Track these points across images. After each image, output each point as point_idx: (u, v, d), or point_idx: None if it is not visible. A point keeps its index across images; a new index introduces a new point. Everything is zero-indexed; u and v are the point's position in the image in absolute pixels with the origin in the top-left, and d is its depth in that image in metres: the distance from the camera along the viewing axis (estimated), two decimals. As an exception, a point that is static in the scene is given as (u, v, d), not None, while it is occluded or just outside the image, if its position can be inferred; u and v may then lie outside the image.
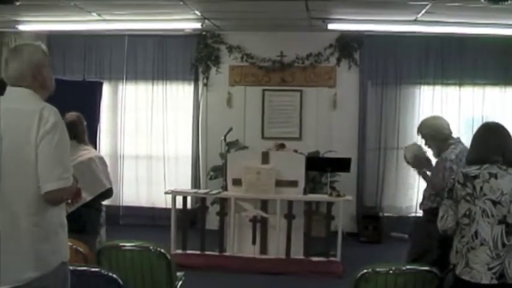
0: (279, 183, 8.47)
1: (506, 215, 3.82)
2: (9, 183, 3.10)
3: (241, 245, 8.68)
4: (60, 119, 3.22)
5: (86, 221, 5.50)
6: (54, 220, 3.26)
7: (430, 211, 5.45)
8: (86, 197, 5.41)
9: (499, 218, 3.82)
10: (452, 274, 4.01)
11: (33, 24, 9.76)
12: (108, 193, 5.86)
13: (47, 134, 3.12)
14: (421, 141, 6.15)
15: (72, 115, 5.61)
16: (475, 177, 3.90)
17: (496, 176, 3.87)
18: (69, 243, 4.14)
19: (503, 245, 3.80)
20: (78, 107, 5.89)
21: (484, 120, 7.59)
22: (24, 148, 3.11)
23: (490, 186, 3.85)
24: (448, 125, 5.75)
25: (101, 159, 5.86)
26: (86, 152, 5.61)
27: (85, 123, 5.80)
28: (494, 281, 3.78)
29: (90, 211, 5.61)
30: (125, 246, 4.58)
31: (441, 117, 6.02)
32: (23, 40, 10.14)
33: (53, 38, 10.88)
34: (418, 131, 5.92)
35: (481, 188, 3.86)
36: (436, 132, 5.68)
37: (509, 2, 6.97)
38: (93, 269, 4.04)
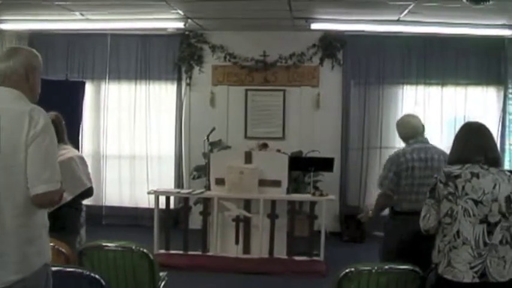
0: (262, 183, 8.47)
1: (487, 214, 3.84)
2: None
3: (224, 244, 8.67)
4: (49, 122, 3.21)
5: (66, 221, 5.46)
6: (39, 222, 3.24)
7: (391, 210, 5.70)
8: (66, 196, 5.37)
9: (481, 217, 3.84)
10: (435, 273, 4.03)
11: (15, 23, 9.71)
12: (88, 192, 5.83)
13: (37, 136, 3.11)
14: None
15: (50, 114, 5.56)
16: (457, 176, 3.91)
17: (477, 176, 3.89)
18: (51, 244, 4.12)
19: (485, 244, 3.82)
20: (60, 106, 5.85)
21: (466, 120, 7.63)
22: (13, 149, 3.09)
23: (471, 186, 3.87)
24: (418, 124, 5.72)
25: (81, 158, 5.83)
26: (66, 152, 5.58)
27: (64, 122, 5.76)
28: (476, 280, 3.80)
29: (70, 210, 5.58)
30: (107, 246, 4.56)
31: (415, 116, 5.95)
32: (4, 38, 10.11)
33: (35, 37, 10.81)
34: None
35: (463, 188, 3.88)
36: (412, 131, 5.71)
37: (490, 2, 7.01)
38: (75, 270, 4.02)
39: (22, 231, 3.13)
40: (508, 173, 4.03)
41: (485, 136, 4.09)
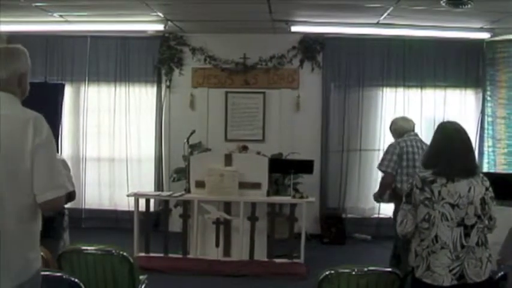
0: (242, 185, 8.47)
1: (464, 217, 3.87)
2: (1, 190, 3.05)
3: (204, 247, 8.66)
4: (50, 130, 3.21)
5: (48, 225, 5.41)
6: (38, 228, 3.25)
7: (396, 197, 6.47)
8: None
9: (458, 220, 3.87)
10: (412, 276, 4.03)
11: (-7, 24, 9.64)
12: (71, 196, 5.76)
13: (43, 144, 3.11)
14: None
15: None
16: (433, 181, 3.93)
17: (453, 180, 3.91)
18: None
19: (462, 246, 3.86)
20: (39, 109, 5.75)
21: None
22: (18, 156, 3.06)
23: (447, 190, 3.89)
24: (409, 125, 6.94)
25: (63, 162, 5.78)
26: None
27: None
28: (455, 282, 3.83)
29: (53, 215, 5.52)
30: (87, 249, 4.52)
31: (408, 119, 7.14)
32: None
33: (13, 39, 10.71)
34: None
35: (439, 193, 3.89)
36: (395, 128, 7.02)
37: (469, 6, 7.08)
38: (54, 274, 4.00)
39: (26, 238, 3.14)
40: (481, 175, 4.06)
41: (462, 144, 4.03)
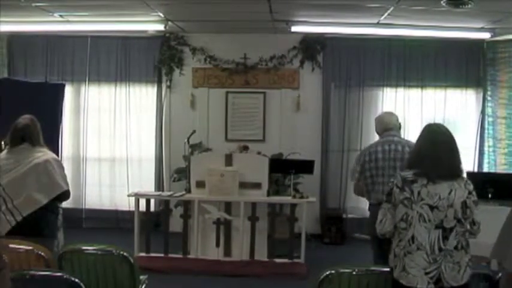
0: (243, 186, 8.47)
1: (443, 220, 3.86)
2: None
3: (205, 247, 8.66)
4: None
5: (43, 225, 5.40)
6: None
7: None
8: (42, 199, 5.32)
9: (436, 222, 3.86)
10: (391, 277, 4.03)
11: (-7, 24, 9.64)
12: (65, 195, 5.72)
13: None
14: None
15: (25, 118, 5.52)
16: (413, 181, 3.92)
17: (434, 181, 3.89)
18: (30, 247, 4.09)
19: (440, 249, 3.85)
20: (40, 109, 5.80)
21: (446, 123, 7.69)
22: None
23: (427, 191, 3.88)
24: (391, 120, 6.34)
25: (58, 161, 5.74)
26: (42, 154, 5.50)
27: (39, 125, 5.68)
28: (431, 286, 3.84)
29: (47, 214, 5.48)
30: (87, 249, 4.52)
31: (392, 113, 6.65)
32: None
33: (14, 39, 10.75)
34: None
35: (419, 193, 3.89)
36: (383, 126, 6.36)
37: (469, 6, 7.08)
38: (55, 274, 4.00)
39: None
40: (465, 178, 4.03)
41: (446, 146, 4.01)
